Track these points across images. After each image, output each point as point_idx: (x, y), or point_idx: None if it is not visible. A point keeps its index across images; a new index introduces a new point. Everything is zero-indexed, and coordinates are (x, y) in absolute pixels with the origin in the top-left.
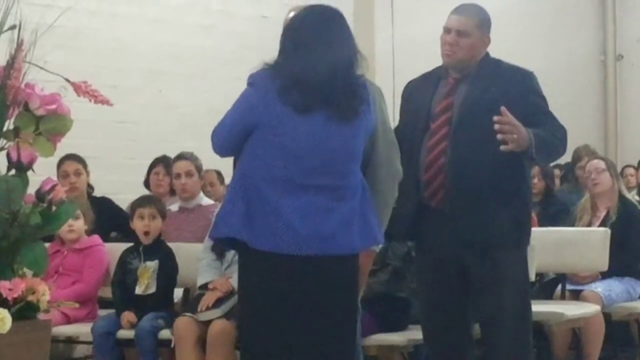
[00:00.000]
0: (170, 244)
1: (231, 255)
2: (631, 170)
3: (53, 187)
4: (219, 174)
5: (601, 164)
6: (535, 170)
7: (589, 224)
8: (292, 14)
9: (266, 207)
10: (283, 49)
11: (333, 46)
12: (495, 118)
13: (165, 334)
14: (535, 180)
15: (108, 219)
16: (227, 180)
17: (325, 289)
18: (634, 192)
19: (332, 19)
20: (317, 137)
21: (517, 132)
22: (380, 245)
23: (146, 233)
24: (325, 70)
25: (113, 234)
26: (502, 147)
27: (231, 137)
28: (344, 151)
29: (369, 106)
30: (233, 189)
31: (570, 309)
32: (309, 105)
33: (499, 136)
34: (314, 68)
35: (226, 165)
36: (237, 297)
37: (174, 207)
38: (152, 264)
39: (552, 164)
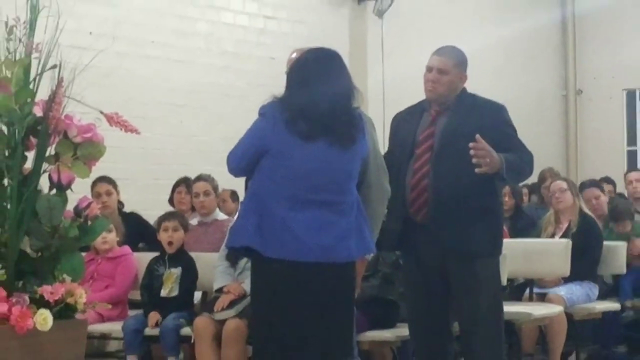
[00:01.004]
0: (191, 254)
1: (243, 262)
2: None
3: (89, 205)
4: (233, 192)
5: (563, 184)
6: (506, 189)
7: (553, 235)
8: (294, 55)
9: (275, 220)
10: (289, 84)
11: (332, 82)
12: (471, 145)
13: (186, 331)
14: (506, 198)
15: (137, 231)
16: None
17: (326, 291)
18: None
19: (331, 59)
20: (321, 161)
21: (490, 156)
22: (372, 254)
23: (170, 243)
24: (326, 103)
25: (141, 245)
26: (477, 170)
27: (244, 160)
28: (343, 172)
29: (364, 134)
30: (246, 205)
31: (537, 310)
32: (313, 133)
33: (474, 160)
34: (316, 101)
35: (236, 185)
36: (249, 299)
37: (193, 221)
38: (176, 271)
39: (520, 184)
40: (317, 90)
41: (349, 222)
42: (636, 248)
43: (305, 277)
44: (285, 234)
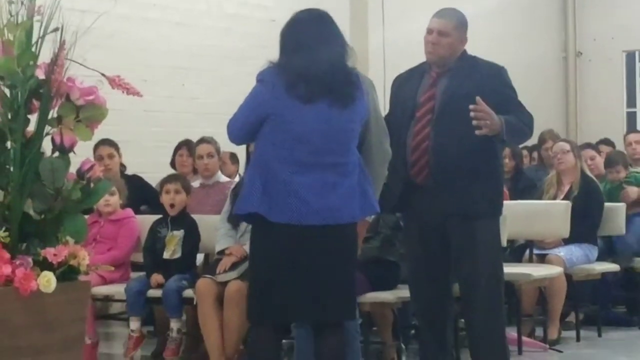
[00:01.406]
0: (193, 216)
1: (244, 225)
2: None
3: (91, 167)
4: (232, 154)
5: (566, 146)
6: (507, 151)
7: (555, 198)
8: None
9: (280, 185)
10: (283, 48)
11: (327, 43)
12: (471, 107)
13: (188, 293)
14: (507, 160)
15: (139, 194)
16: (241, 161)
17: (332, 251)
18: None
19: (322, 19)
20: (322, 122)
21: (490, 118)
22: (373, 216)
23: (172, 205)
24: (324, 65)
25: (143, 207)
26: (477, 132)
27: (245, 127)
28: (344, 132)
29: (362, 93)
30: (251, 172)
31: (537, 271)
32: (313, 95)
33: (475, 122)
34: (313, 63)
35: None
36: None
37: (195, 184)
38: (178, 233)
39: (520, 146)
40: (312, 52)
41: (353, 183)
42: (628, 196)
43: (311, 240)
44: (290, 198)
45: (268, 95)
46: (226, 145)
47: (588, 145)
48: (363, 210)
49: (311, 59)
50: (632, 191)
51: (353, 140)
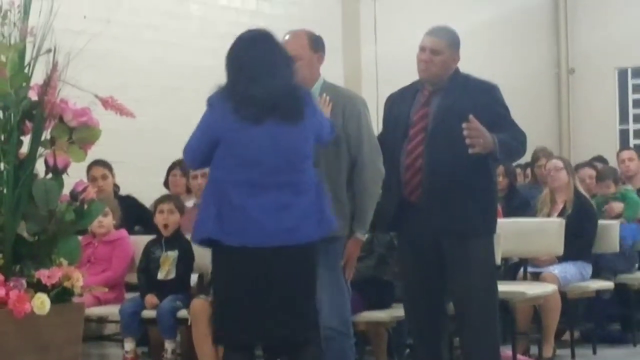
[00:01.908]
0: (187, 236)
1: None
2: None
3: (85, 188)
4: None
5: (559, 163)
6: (500, 169)
7: (549, 215)
8: (287, 37)
9: (234, 208)
10: (228, 72)
11: (270, 62)
12: (464, 125)
13: (183, 313)
14: (500, 178)
15: (133, 214)
16: None
17: (291, 272)
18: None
19: (264, 39)
20: (271, 142)
21: (483, 137)
22: (367, 235)
23: (165, 226)
24: (268, 85)
25: (137, 228)
26: (471, 150)
27: (198, 152)
28: (295, 151)
29: (313, 109)
30: (205, 196)
31: (531, 289)
32: (260, 116)
33: (468, 141)
34: (258, 84)
35: None
36: None
37: (189, 203)
38: (173, 254)
39: (513, 164)
40: (256, 73)
41: (308, 202)
42: (612, 210)
43: (268, 262)
44: (245, 220)
45: (217, 119)
46: None
47: (587, 164)
48: (320, 229)
49: (255, 80)
50: (617, 206)
51: (306, 158)
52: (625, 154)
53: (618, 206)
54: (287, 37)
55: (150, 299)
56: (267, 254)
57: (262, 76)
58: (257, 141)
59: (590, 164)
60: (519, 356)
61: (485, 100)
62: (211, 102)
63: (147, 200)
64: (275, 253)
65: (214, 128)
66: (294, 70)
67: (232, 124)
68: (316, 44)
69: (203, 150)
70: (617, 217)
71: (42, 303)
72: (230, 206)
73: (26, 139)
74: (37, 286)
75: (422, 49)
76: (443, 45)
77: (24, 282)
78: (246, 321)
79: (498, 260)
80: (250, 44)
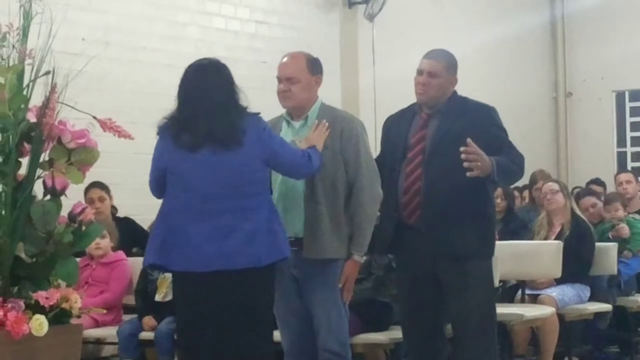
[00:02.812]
0: None
1: None
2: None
3: (83, 210)
4: None
5: (555, 186)
6: (499, 191)
7: (546, 238)
8: (285, 59)
9: (178, 233)
10: (176, 101)
11: (209, 91)
12: (462, 148)
13: None
14: (499, 200)
15: (130, 236)
16: None
17: (233, 297)
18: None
19: (201, 69)
20: (209, 169)
21: (481, 160)
22: (365, 257)
23: None
24: (203, 112)
25: (135, 249)
26: (469, 173)
27: (154, 181)
28: (236, 176)
29: (256, 134)
30: (155, 223)
31: (529, 311)
32: (197, 144)
33: (466, 164)
34: (195, 113)
35: None
36: None
37: None
38: (170, 275)
39: (511, 187)
40: (195, 102)
41: (255, 226)
42: (623, 230)
43: (210, 287)
44: (187, 246)
45: (162, 149)
46: None
47: (587, 192)
48: (271, 254)
49: (192, 109)
50: (625, 228)
51: (252, 183)
52: (623, 176)
53: (626, 228)
54: (285, 60)
55: (148, 320)
56: (208, 278)
57: (199, 105)
58: (194, 169)
59: (589, 191)
60: None
61: (483, 122)
62: (158, 131)
63: (145, 222)
64: (216, 278)
65: (161, 158)
66: (238, 97)
67: (173, 152)
68: (314, 67)
69: (158, 180)
70: (622, 238)
71: (40, 324)
72: (174, 232)
73: (25, 161)
74: (35, 308)
75: (420, 71)
76: (440, 67)
77: (22, 303)
78: (195, 345)
79: (496, 283)
80: (193, 74)
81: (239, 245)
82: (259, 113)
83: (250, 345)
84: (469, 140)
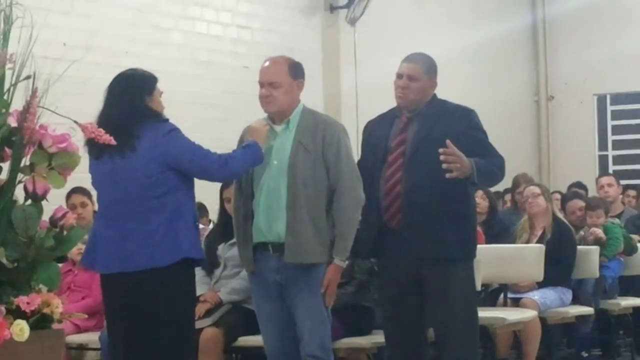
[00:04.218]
0: None
1: (219, 271)
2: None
3: (64, 215)
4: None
5: (537, 190)
6: (479, 192)
7: (528, 241)
8: (267, 63)
9: (94, 237)
10: None
11: (114, 102)
12: (441, 150)
13: None
14: (480, 200)
15: None
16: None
17: (133, 298)
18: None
19: (117, 81)
20: (108, 174)
21: (461, 161)
22: (347, 262)
23: None
24: (107, 122)
25: None
26: (448, 175)
27: None
28: (133, 181)
29: (154, 140)
30: None
31: (512, 314)
32: (100, 151)
33: (445, 166)
34: (101, 123)
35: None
36: (225, 308)
37: None
38: None
39: (493, 190)
40: (103, 112)
41: (153, 228)
42: (596, 235)
43: (112, 289)
44: (97, 249)
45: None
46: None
47: (575, 195)
48: (169, 254)
49: (102, 119)
50: (599, 232)
51: (150, 188)
52: (605, 179)
53: (600, 232)
54: (266, 64)
55: None
56: (113, 279)
57: (105, 115)
58: (99, 175)
59: (576, 194)
60: None
61: (462, 125)
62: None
63: None
64: (118, 279)
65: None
66: (142, 106)
67: (90, 162)
68: (296, 71)
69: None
70: (596, 242)
71: (21, 330)
72: (94, 237)
73: (5, 166)
74: (16, 313)
75: (399, 75)
76: (420, 71)
77: (2, 308)
78: (114, 344)
79: (478, 286)
80: (109, 85)
81: (135, 247)
82: (167, 119)
83: (159, 346)
84: (448, 141)
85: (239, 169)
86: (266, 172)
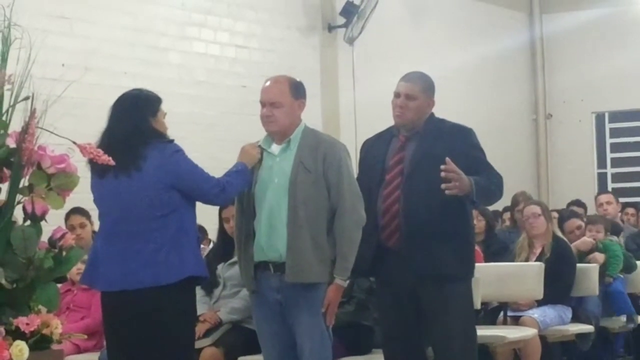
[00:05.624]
0: None
1: (218, 291)
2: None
3: (63, 235)
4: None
5: (537, 209)
6: (475, 211)
7: (527, 260)
8: (268, 83)
9: (96, 255)
10: None
11: (118, 122)
12: (442, 167)
13: None
14: (475, 221)
15: None
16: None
17: (136, 317)
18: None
19: (121, 101)
20: (113, 193)
21: (460, 179)
22: (348, 281)
23: None
24: (111, 142)
25: None
26: (447, 191)
27: None
28: (137, 201)
29: (159, 159)
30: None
31: (511, 333)
32: (103, 170)
33: (444, 185)
34: (106, 143)
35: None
36: (224, 327)
37: None
38: None
39: (491, 208)
40: (108, 132)
41: (156, 248)
42: (596, 260)
43: (118, 306)
44: (100, 267)
45: (90, 178)
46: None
47: (572, 214)
48: (173, 273)
49: (105, 139)
50: (600, 257)
51: (155, 207)
52: (603, 197)
53: (600, 256)
54: (268, 84)
55: None
56: (114, 297)
57: (110, 135)
58: (103, 194)
59: (574, 213)
60: None
61: (460, 144)
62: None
63: None
64: (122, 297)
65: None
66: (147, 126)
67: (92, 180)
68: (297, 90)
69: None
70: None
71: (20, 350)
72: (96, 255)
73: (4, 187)
74: (16, 334)
75: (397, 94)
76: (417, 90)
77: (2, 329)
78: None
79: (478, 305)
80: (113, 106)
81: (139, 266)
82: (172, 140)
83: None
84: (447, 159)
85: (234, 194)
86: (268, 191)
